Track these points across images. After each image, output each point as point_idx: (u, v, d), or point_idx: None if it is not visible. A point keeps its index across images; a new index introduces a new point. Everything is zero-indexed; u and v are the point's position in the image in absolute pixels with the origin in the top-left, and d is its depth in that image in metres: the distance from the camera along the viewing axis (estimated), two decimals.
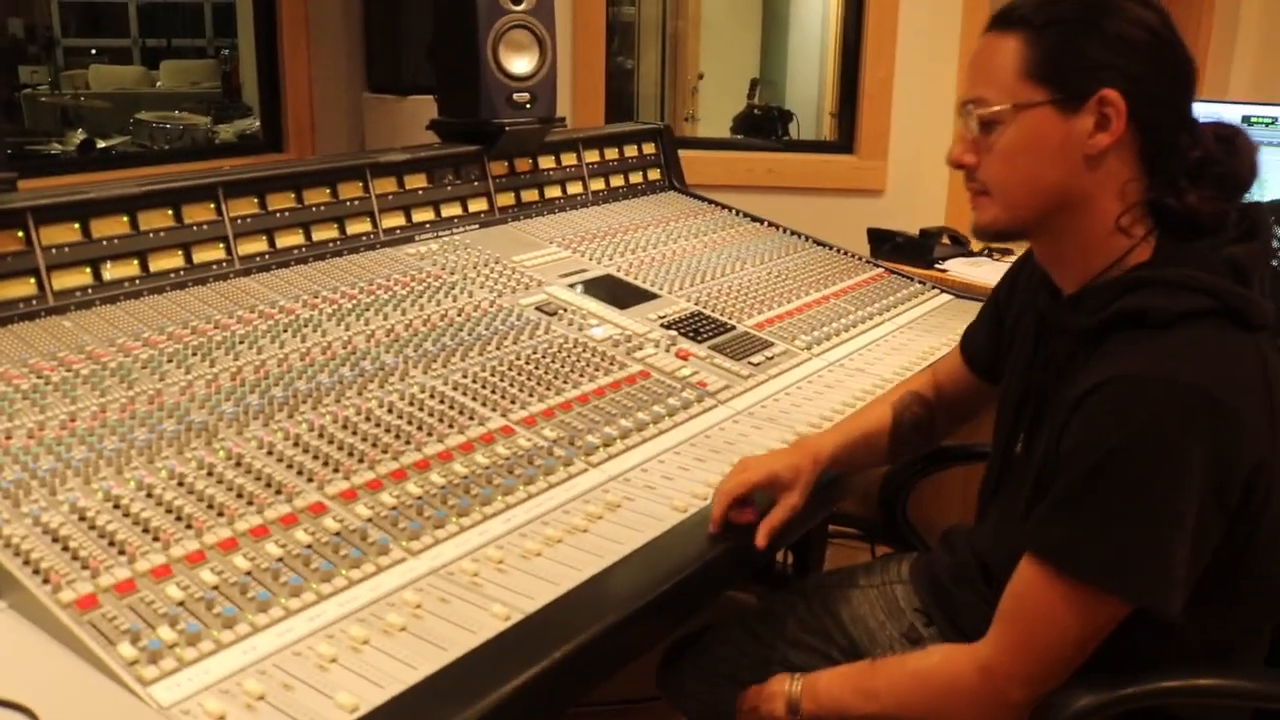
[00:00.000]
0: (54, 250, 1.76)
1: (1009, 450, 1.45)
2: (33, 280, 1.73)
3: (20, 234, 1.72)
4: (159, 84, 7.56)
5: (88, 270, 1.79)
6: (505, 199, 2.47)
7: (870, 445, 1.66)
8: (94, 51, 8.04)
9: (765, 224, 2.78)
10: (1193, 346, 1.19)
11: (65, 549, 1.23)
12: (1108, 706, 1.25)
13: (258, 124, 4.21)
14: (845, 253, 2.70)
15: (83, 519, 1.28)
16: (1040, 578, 1.23)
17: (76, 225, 1.79)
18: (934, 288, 2.56)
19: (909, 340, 2.24)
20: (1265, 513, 1.22)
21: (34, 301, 1.72)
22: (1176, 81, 1.27)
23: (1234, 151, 1.27)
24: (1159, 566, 1.18)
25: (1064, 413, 1.24)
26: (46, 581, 1.18)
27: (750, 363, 2.00)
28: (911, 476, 1.98)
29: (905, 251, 2.92)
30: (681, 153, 2.98)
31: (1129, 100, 1.22)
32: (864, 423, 1.68)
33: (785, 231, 2.75)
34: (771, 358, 2.04)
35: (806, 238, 2.73)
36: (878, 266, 2.65)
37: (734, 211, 2.81)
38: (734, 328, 2.11)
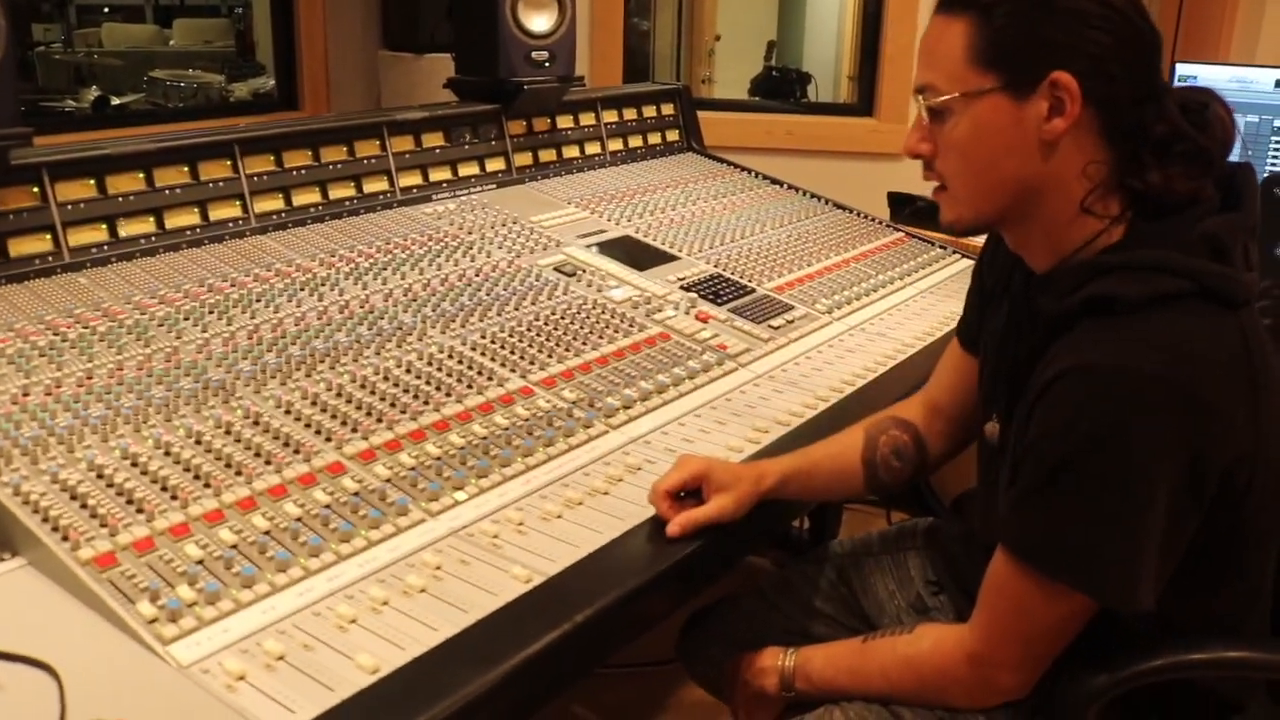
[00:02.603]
0: (69, 206, 1.74)
1: (983, 429, 1.42)
2: (48, 236, 1.71)
3: (35, 189, 1.71)
4: (172, 42, 7.51)
5: (103, 227, 1.78)
6: (523, 159, 2.44)
7: (836, 471, 1.53)
8: (106, 9, 7.99)
9: (785, 186, 2.75)
10: (1162, 333, 1.12)
11: (84, 506, 1.22)
12: (1123, 683, 1.23)
13: (272, 83, 4.18)
14: (865, 216, 2.67)
15: (101, 476, 1.27)
16: (1010, 568, 1.20)
17: (92, 181, 1.77)
18: (955, 252, 2.53)
19: (930, 305, 2.21)
20: (1248, 497, 1.17)
21: (50, 258, 1.71)
22: (1137, 55, 1.19)
23: (1204, 124, 1.20)
24: (1124, 566, 1.14)
25: (1030, 400, 1.19)
26: (66, 539, 1.17)
27: (770, 326, 1.98)
28: None
29: (925, 215, 2.88)
30: (700, 114, 2.95)
31: (1083, 81, 1.16)
32: (829, 448, 1.54)
33: (805, 194, 2.72)
34: (792, 321, 2.01)
35: (826, 201, 2.70)
36: (898, 230, 2.62)
37: (753, 174, 2.78)
38: (754, 290, 2.09)
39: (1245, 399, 1.14)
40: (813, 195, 2.71)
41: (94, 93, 4.94)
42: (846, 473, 1.54)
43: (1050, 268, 1.26)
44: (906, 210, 2.95)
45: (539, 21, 2.39)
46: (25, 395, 1.40)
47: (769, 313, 2.02)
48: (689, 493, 1.40)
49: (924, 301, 2.23)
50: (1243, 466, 1.15)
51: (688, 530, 1.34)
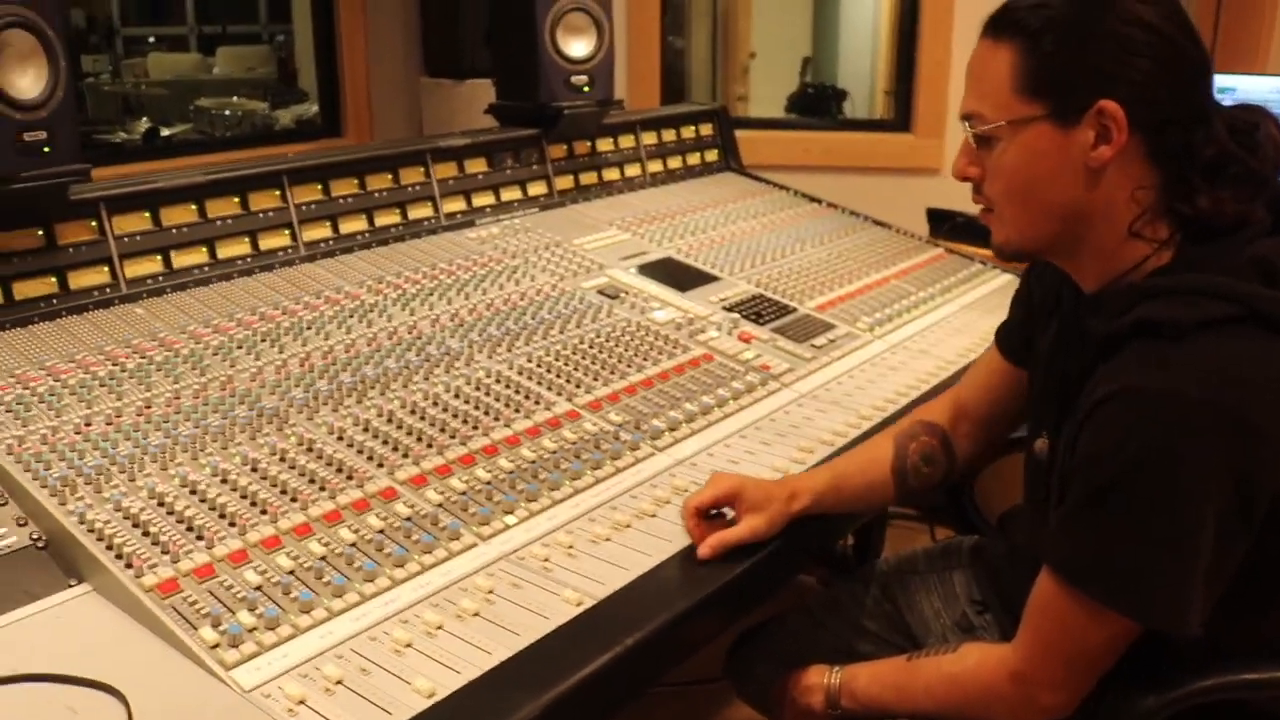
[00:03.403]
0: (126, 239, 1.79)
1: (1031, 448, 1.41)
2: (106, 269, 1.76)
3: (94, 223, 1.76)
4: (215, 70, 7.64)
5: (158, 258, 1.82)
6: (564, 182, 2.47)
7: (868, 484, 1.54)
8: (152, 40, 8.15)
9: (824, 204, 2.76)
10: (1210, 358, 1.11)
11: (146, 534, 1.26)
12: (1172, 704, 1.23)
13: (314, 109, 4.25)
14: (905, 233, 2.67)
15: (161, 504, 1.31)
16: (1056, 589, 1.20)
17: (147, 214, 1.82)
18: (995, 268, 2.53)
19: (971, 321, 2.21)
20: None
21: (108, 290, 1.75)
22: (1183, 79, 1.17)
23: (1254, 146, 1.19)
24: (1170, 590, 1.13)
25: (1079, 420, 1.19)
26: (129, 566, 1.20)
27: (813, 345, 1.99)
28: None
29: (965, 231, 2.89)
30: (738, 133, 2.97)
31: (1129, 108, 1.15)
32: (859, 460, 1.56)
33: (844, 211, 2.73)
34: (834, 340, 2.02)
35: (865, 218, 2.71)
36: (938, 246, 2.63)
37: (792, 192, 2.79)
38: (795, 310, 2.10)
39: None
40: (851, 212, 2.72)
41: (144, 124, 5.04)
42: (877, 484, 1.55)
43: (1099, 289, 1.26)
44: (946, 226, 2.96)
45: (578, 47, 2.42)
46: (88, 425, 1.44)
47: (811, 332, 2.03)
48: (718, 511, 1.41)
49: (965, 317, 2.23)
50: None
51: (718, 552, 1.35)
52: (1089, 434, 1.16)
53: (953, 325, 2.19)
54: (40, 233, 1.70)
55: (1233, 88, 2.41)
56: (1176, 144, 1.18)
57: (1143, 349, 1.15)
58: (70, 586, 1.22)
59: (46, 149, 1.61)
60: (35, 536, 1.27)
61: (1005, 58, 1.20)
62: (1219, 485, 1.10)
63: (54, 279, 1.70)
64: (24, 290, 1.67)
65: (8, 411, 1.44)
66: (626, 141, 2.64)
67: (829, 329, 2.06)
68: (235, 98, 5.93)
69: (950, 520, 2.44)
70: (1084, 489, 1.17)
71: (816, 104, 5.22)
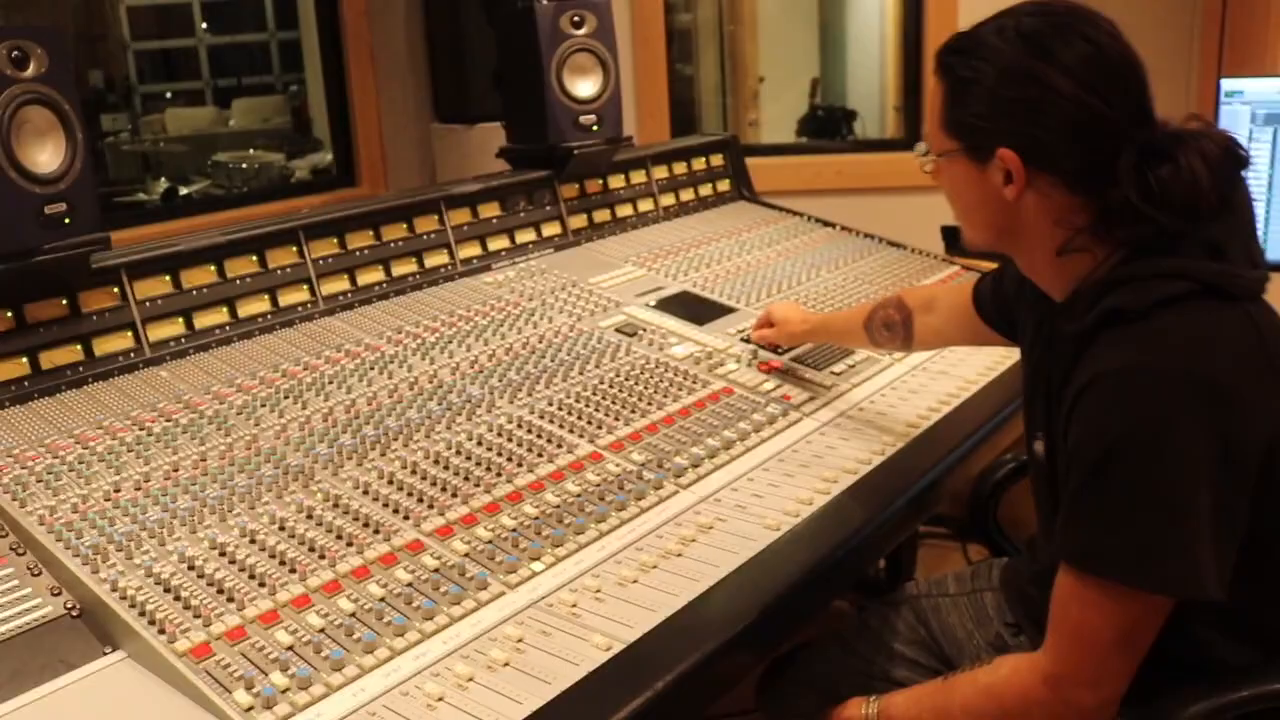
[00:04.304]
0: (148, 303, 1.81)
1: (1031, 450, 1.46)
2: (130, 334, 1.78)
3: (116, 290, 1.78)
4: (231, 122, 7.73)
5: (180, 320, 1.85)
6: (578, 221, 2.49)
7: (847, 329, 1.95)
8: (169, 95, 8.25)
9: (838, 228, 2.76)
10: (1172, 331, 1.19)
11: (177, 598, 1.27)
12: (1223, 711, 1.23)
13: (330, 157, 4.30)
14: (920, 252, 2.67)
15: (191, 568, 1.32)
16: (1071, 582, 1.24)
17: (168, 278, 1.85)
18: None
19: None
20: None
21: (132, 354, 1.77)
22: (1094, 137, 1.22)
23: (1164, 192, 1.20)
24: (1179, 553, 1.17)
25: (1064, 415, 1.26)
26: (162, 632, 1.22)
27: (833, 372, 1.99)
28: (1003, 479, 1.96)
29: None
30: (748, 161, 2.98)
31: (1030, 159, 1.24)
32: (845, 312, 2.03)
33: (857, 234, 2.73)
34: (853, 365, 2.03)
35: (879, 239, 2.71)
36: (953, 264, 2.63)
37: (805, 217, 2.80)
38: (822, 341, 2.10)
39: (1266, 381, 1.19)
40: (865, 235, 2.73)
41: (163, 184, 5.11)
42: (852, 331, 1.93)
43: (1065, 294, 1.32)
44: (960, 242, 2.95)
45: (584, 87, 2.45)
46: (117, 491, 1.46)
47: (830, 358, 2.04)
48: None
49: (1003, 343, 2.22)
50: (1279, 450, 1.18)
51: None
52: (1075, 424, 1.23)
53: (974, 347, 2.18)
54: (64, 302, 1.73)
55: (1240, 90, 2.39)
56: (1090, 184, 1.24)
57: (1111, 336, 1.23)
58: (105, 654, 1.24)
59: (68, 220, 1.64)
60: (69, 606, 1.28)
61: (939, 93, 1.32)
62: (1204, 446, 1.15)
63: (79, 346, 1.73)
64: (51, 359, 1.69)
65: (39, 481, 1.46)
66: (638, 177, 2.66)
67: (848, 355, 2.06)
68: (251, 150, 6.00)
69: (981, 536, 2.43)
70: (1079, 476, 1.22)
71: (827, 126, 5.23)
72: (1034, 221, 1.29)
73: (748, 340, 2.05)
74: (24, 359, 1.66)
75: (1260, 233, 2.40)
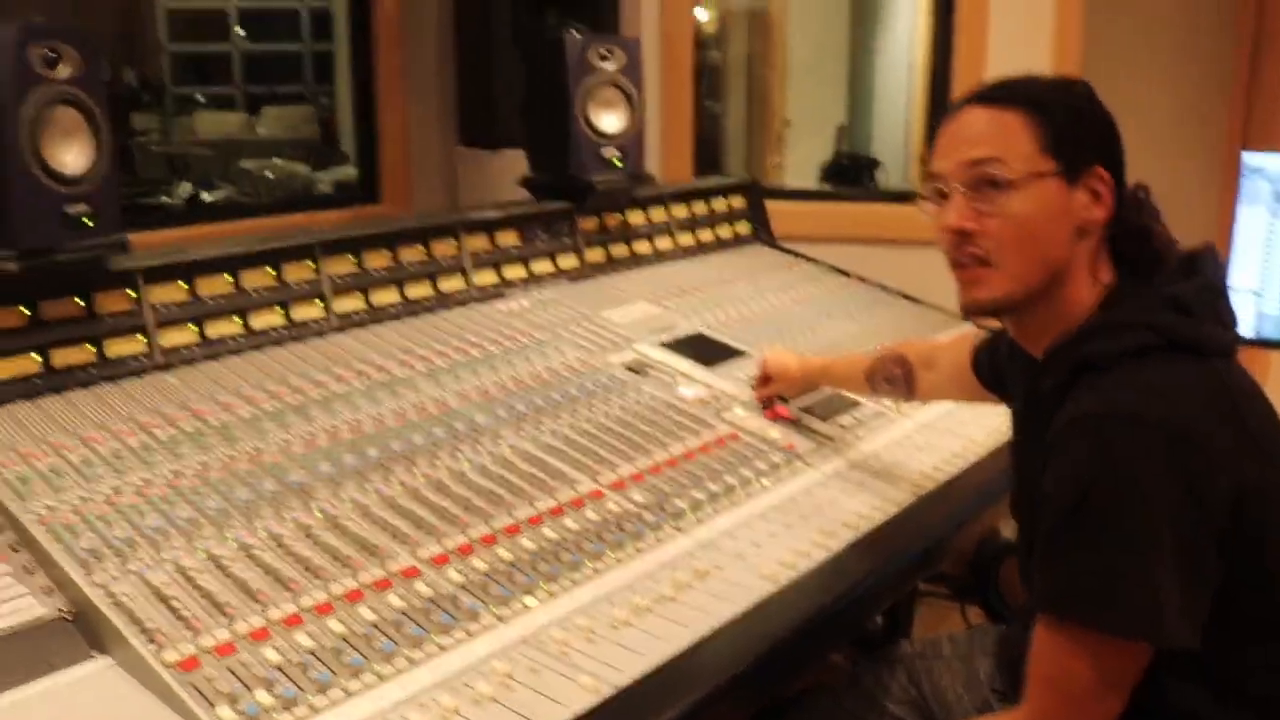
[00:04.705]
0: (162, 308, 1.82)
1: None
2: (142, 338, 1.78)
3: (131, 293, 1.79)
4: (259, 130, 7.80)
5: (193, 328, 1.85)
6: (595, 255, 2.50)
7: (848, 376, 1.98)
8: (201, 99, 8.34)
9: (853, 278, 2.76)
10: (1136, 379, 1.24)
11: (169, 608, 1.27)
12: None
13: (354, 171, 4.32)
14: (935, 307, 2.67)
15: (186, 578, 1.32)
16: (1045, 632, 1.25)
17: (183, 284, 1.85)
18: None
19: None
20: (1270, 540, 1.23)
21: (142, 359, 1.78)
22: (1122, 152, 1.36)
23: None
24: (1144, 596, 1.18)
25: (1041, 469, 1.29)
26: (152, 641, 1.22)
27: (839, 424, 1.98)
28: (1005, 546, 1.95)
29: None
30: (769, 204, 2.99)
31: (1114, 177, 1.33)
32: (847, 359, 2.02)
33: (873, 285, 2.73)
34: (860, 419, 2.02)
35: (896, 292, 2.71)
36: (969, 322, 2.62)
37: (821, 265, 2.80)
38: (823, 388, 2.10)
39: (1230, 431, 1.22)
40: (882, 287, 2.73)
41: (186, 189, 5.15)
42: (854, 380, 1.96)
43: (1047, 351, 1.36)
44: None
45: (609, 121, 2.46)
46: (118, 495, 1.46)
47: (837, 409, 2.03)
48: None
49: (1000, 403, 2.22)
50: (1253, 502, 1.20)
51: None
52: (1046, 475, 1.26)
53: (981, 406, 2.17)
54: (79, 301, 1.73)
55: (1262, 168, 2.39)
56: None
57: (1082, 387, 1.27)
58: (92, 659, 1.23)
59: (89, 221, 1.65)
60: (61, 607, 1.28)
61: (1018, 121, 1.32)
62: (1169, 490, 1.17)
63: (91, 347, 1.73)
64: (63, 358, 1.69)
65: (41, 480, 1.46)
66: (657, 214, 2.67)
67: (856, 406, 2.06)
68: (277, 159, 6.05)
69: (979, 600, 2.41)
70: (1048, 525, 1.25)
71: (850, 173, 5.25)
72: (1081, 258, 1.33)
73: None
74: (36, 356, 1.66)
75: (1278, 310, 2.39)
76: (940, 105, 3.91)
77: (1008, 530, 2.04)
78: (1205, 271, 1.34)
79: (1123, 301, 1.32)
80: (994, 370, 1.70)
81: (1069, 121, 1.32)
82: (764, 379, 2.01)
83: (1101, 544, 1.19)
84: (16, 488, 1.43)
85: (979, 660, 1.67)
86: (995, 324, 1.80)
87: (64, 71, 1.60)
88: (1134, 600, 1.18)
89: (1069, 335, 1.33)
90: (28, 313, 1.67)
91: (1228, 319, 1.33)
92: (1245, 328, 2.06)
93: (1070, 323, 1.33)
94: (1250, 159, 2.45)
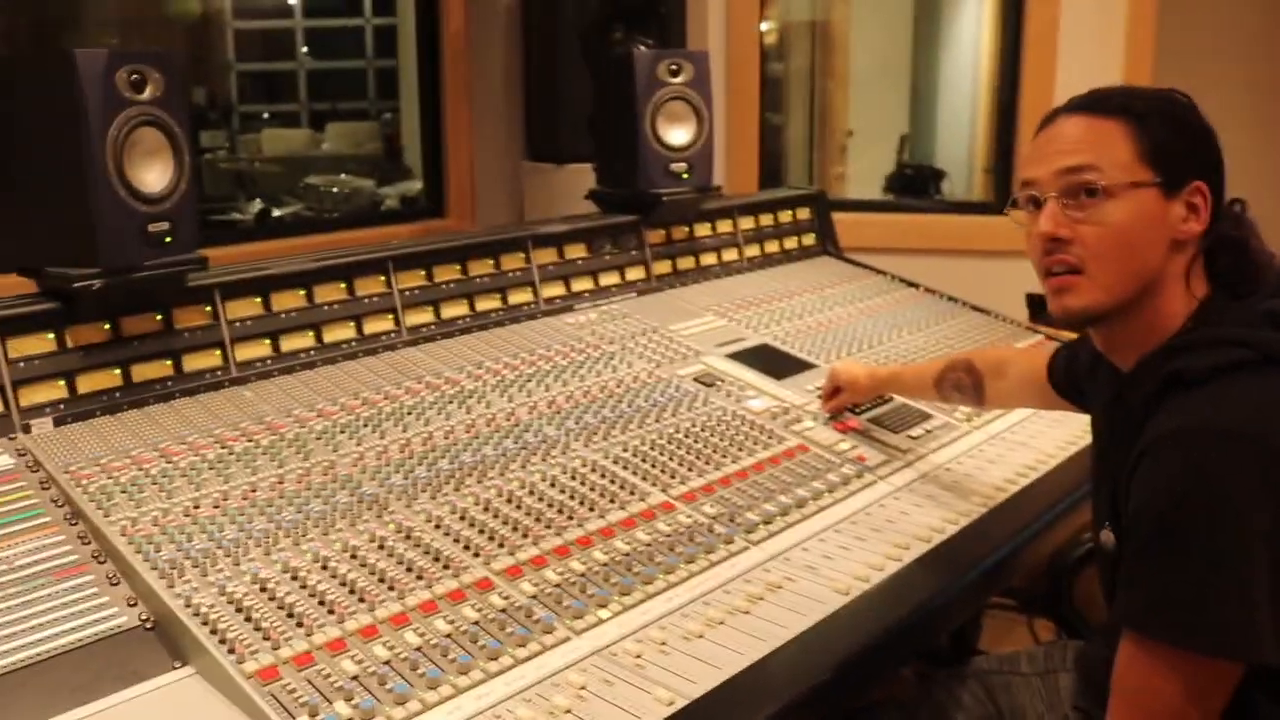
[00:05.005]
0: (238, 324, 1.85)
1: (1098, 539, 1.44)
2: (218, 352, 1.82)
3: (208, 308, 1.82)
4: (325, 146, 7.91)
5: (267, 342, 1.88)
6: (662, 267, 2.50)
7: (918, 384, 1.98)
8: (266, 116, 8.49)
9: (921, 289, 2.74)
10: (1232, 395, 1.21)
11: (248, 619, 1.29)
12: None
13: (418, 186, 4.37)
14: (1003, 318, 2.64)
15: (263, 589, 1.34)
16: (1131, 648, 1.23)
17: (259, 300, 1.88)
18: None
19: (1076, 415, 2.16)
20: None
21: (219, 373, 1.81)
22: (1222, 165, 1.34)
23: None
24: (1236, 614, 1.15)
25: (1126, 484, 1.27)
26: (232, 651, 1.23)
27: (909, 436, 1.97)
28: (1080, 559, 1.92)
29: None
30: (835, 215, 2.97)
31: (1213, 190, 1.31)
32: (917, 366, 2.04)
33: (941, 297, 2.71)
34: (930, 431, 2.00)
35: (963, 303, 2.68)
36: (1037, 333, 2.59)
37: (889, 276, 2.78)
38: (892, 399, 2.08)
39: None
40: (949, 298, 2.70)
41: (257, 205, 5.25)
42: (924, 387, 1.96)
43: (1135, 364, 1.34)
44: (1046, 311, 2.91)
45: (677, 135, 2.46)
46: (196, 508, 1.48)
47: (907, 421, 2.02)
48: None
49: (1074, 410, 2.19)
50: None
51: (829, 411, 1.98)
52: (1135, 488, 1.24)
53: (1052, 416, 2.13)
54: (159, 317, 1.77)
55: None
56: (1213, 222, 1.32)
57: (1172, 402, 1.25)
58: (175, 669, 1.25)
59: (169, 239, 1.69)
60: (144, 618, 1.31)
61: (1117, 130, 1.30)
62: (1259, 510, 1.15)
63: (170, 362, 1.76)
64: (142, 373, 1.73)
65: (122, 492, 1.49)
66: (724, 226, 2.67)
67: (926, 419, 2.04)
68: (343, 175, 6.13)
69: (1048, 613, 2.37)
70: (1137, 540, 1.23)
71: (914, 184, 5.20)
72: (1177, 270, 1.32)
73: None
74: (117, 370, 1.70)
75: None
76: (1008, 115, 3.88)
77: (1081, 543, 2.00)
78: None
79: (1217, 316, 1.30)
80: (1071, 379, 1.68)
81: (1168, 133, 1.30)
82: (832, 390, 2.00)
83: (1192, 560, 1.17)
84: (100, 500, 1.46)
85: (1060, 676, 1.64)
86: (1068, 336, 1.78)
87: (148, 93, 1.64)
88: (1225, 618, 1.16)
89: (1160, 348, 1.31)
90: (109, 328, 1.70)
91: None
92: None
93: (1161, 335, 1.31)
94: None
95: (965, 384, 1.87)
